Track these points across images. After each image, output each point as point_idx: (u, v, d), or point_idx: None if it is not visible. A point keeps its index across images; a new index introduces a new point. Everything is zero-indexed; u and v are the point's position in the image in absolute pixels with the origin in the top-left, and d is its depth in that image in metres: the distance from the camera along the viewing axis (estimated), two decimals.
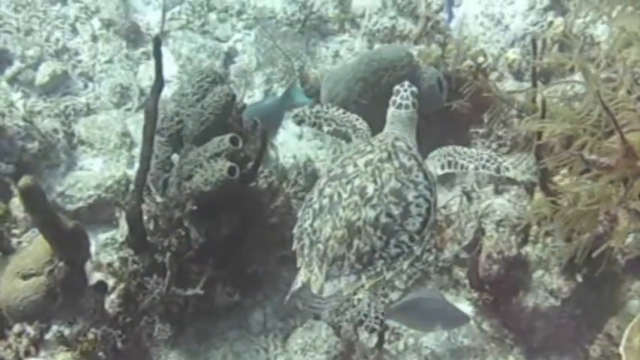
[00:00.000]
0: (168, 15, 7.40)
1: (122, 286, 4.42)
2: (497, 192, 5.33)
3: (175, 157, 5.04)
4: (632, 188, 3.12)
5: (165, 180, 5.01)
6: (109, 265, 4.51)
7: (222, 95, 4.85)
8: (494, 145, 5.87)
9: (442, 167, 4.24)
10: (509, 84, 6.38)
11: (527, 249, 4.84)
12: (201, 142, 4.89)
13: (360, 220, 3.79)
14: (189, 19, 7.36)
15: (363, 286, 3.87)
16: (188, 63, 6.95)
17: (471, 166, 4.21)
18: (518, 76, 6.47)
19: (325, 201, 3.90)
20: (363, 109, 5.08)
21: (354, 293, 3.97)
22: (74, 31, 7.21)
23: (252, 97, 6.94)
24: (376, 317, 4.00)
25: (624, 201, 3.06)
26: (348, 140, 4.53)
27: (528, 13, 7.01)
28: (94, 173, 5.95)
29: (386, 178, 3.88)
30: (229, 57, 7.11)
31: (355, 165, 3.98)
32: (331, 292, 3.83)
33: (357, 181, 3.88)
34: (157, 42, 4.47)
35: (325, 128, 4.55)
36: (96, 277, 4.38)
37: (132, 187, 4.97)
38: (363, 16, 7.19)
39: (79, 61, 7.02)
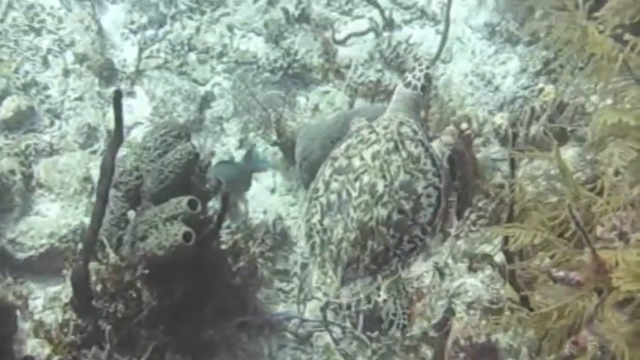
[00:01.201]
0: (146, 53, 7.31)
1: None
2: (472, 270, 5.21)
3: (132, 213, 4.91)
4: (603, 303, 2.99)
5: (119, 238, 4.88)
6: (47, 331, 4.34)
7: (184, 153, 4.74)
8: (473, 217, 5.75)
9: (448, 159, 4.19)
10: (495, 150, 6.31)
11: (498, 336, 4.69)
12: (160, 201, 4.78)
13: (373, 220, 3.81)
14: (168, 58, 7.26)
15: (380, 287, 3.90)
16: (162, 105, 6.84)
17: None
18: (504, 141, 6.37)
19: (333, 197, 3.89)
20: None
21: (378, 295, 3.97)
22: (45, 64, 7.10)
23: (226, 145, 6.82)
24: (404, 313, 4.00)
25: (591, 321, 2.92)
26: None
27: (520, 75, 6.95)
28: (49, 220, 5.82)
29: (395, 172, 3.89)
30: (206, 101, 7.00)
31: (362, 158, 3.94)
32: (348, 296, 3.87)
33: (365, 178, 3.87)
34: (117, 95, 4.36)
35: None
36: (31, 344, 4.20)
37: (79, 245, 4.83)
38: (348, 66, 7.13)
39: (48, 97, 6.90)
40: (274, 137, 6.54)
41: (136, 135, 6.69)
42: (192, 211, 4.56)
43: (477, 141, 6.27)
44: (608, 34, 3.54)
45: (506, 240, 3.52)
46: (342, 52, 7.16)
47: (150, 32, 7.48)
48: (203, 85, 7.18)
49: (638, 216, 3.02)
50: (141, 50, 7.10)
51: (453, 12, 7.40)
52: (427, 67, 4.36)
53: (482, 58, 7.20)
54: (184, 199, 4.58)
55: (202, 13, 7.71)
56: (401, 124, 4.10)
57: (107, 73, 7.04)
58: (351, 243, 3.81)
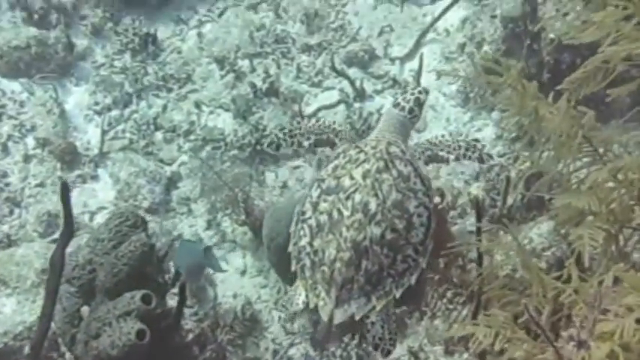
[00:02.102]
0: (111, 134, 7.27)
1: None
2: (448, 353, 5.05)
3: (86, 310, 4.75)
4: None
5: (72, 336, 4.71)
6: None
7: (138, 245, 4.63)
8: (449, 294, 5.59)
9: (425, 164, 4.37)
10: (471, 222, 6.18)
11: None
12: (114, 296, 4.62)
13: (367, 239, 3.84)
14: (133, 138, 7.20)
15: (374, 308, 3.90)
16: (126, 189, 6.74)
17: (452, 157, 4.43)
18: (481, 212, 6.24)
19: (323, 218, 3.94)
20: None
21: (367, 317, 3.98)
22: (5, 151, 7.03)
23: (194, 226, 6.70)
24: (390, 339, 4.00)
25: None
26: (333, 146, 4.51)
27: (496, 142, 6.90)
28: (3, 317, 5.63)
29: (387, 191, 3.94)
30: (172, 182, 6.91)
31: (352, 177, 3.99)
32: (342, 318, 3.86)
33: (357, 197, 3.91)
34: (64, 186, 4.26)
35: (305, 143, 4.55)
36: None
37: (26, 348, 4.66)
38: None
39: (7, 184, 6.81)
40: (242, 217, 6.41)
41: (100, 221, 6.56)
42: (147, 306, 4.41)
43: (453, 213, 6.16)
44: (564, 110, 3.48)
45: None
46: None
47: (115, 112, 7.44)
48: (170, 164, 7.09)
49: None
50: (104, 132, 7.03)
51: (425, 80, 7.43)
52: (419, 92, 4.47)
53: (457, 126, 7.17)
54: (138, 294, 4.44)
55: (169, 90, 7.70)
56: (389, 144, 4.16)
57: (69, 157, 6.96)
58: (345, 263, 3.81)
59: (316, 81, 7.57)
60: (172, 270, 4.97)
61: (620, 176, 3.44)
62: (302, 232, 4.04)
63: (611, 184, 3.42)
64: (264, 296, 6.22)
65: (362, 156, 4.10)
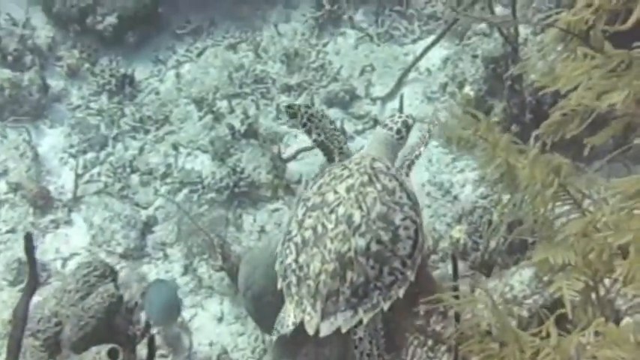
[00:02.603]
0: (86, 177, 7.17)
1: None
2: None
3: None
4: None
5: None
6: None
7: (105, 296, 4.51)
8: (430, 342, 5.48)
9: (407, 174, 4.44)
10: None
11: None
12: (81, 350, 4.50)
13: (351, 250, 3.84)
14: (109, 181, 7.10)
15: (361, 322, 3.88)
16: (100, 234, 6.62)
17: (422, 149, 4.51)
18: (464, 256, 6.17)
19: (308, 233, 3.95)
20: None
21: (354, 333, 3.98)
22: None
23: (170, 271, 6.58)
24: (379, 355, 4.01)
25: None
26: (331, 160, 4.54)
27: (479, 183, 6.84)
28: None
29: (371, 203, 3.96)
30: (147, 226, 6.79)
31: (335, 192, 4.03)
32: (328, 331, 3.83)
33: (341, 210, 3.94)
34: (28, 238, 4.15)
35: (314, 136, 4.55)
36: None
37: None
38: (299, 182, 7.01)
39: None
40: (219, 262, 6.30)
41: (73, 268, 6.43)
42: None
43: (435, 257, 6.09)
44: (533, 160, 3.43)
45: None
46: (292, 167, 7.05)
47: (90, 155, 7.36)
48: (146, 208, 6.98)
49: None
50: (77, 176, 6.93)
51: None
52: (407, 117, 4.63)
53: (439, 167, 7.13)
54: (104, 348, 4.32)
55: (146, 132, 7.63)
56: (373, 159, 4.24)
57: (42, 202, 6.85)
58: (329, 275, 3.81)
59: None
60: (143, 321, 4.84)
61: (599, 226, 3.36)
62: (288, 251, 4.06)
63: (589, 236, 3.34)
64: (242, 344, 6.08)
65: (346, 172, 4.15)
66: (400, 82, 7.73)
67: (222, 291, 6.42)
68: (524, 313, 4.55)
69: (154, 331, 4.76)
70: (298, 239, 4.02)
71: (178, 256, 6.66)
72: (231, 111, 7.58)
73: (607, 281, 3.56)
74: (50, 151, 7.40)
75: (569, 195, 3.61)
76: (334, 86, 7.73)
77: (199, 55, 8.27)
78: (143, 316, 5.00)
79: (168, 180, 7.20)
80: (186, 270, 6.58)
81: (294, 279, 3.99)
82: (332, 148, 4.55)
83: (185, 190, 7.10)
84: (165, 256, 6.68)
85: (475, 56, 7.11)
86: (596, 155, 5.14)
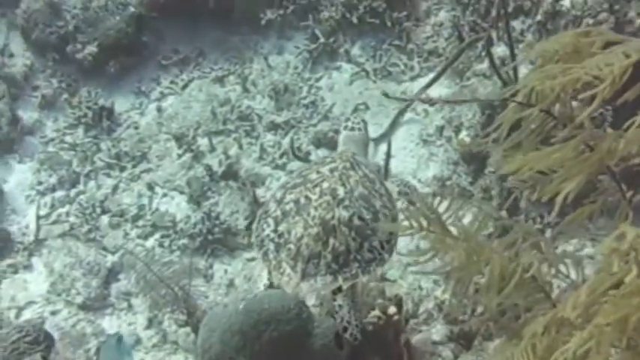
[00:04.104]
0: (53, 216, 6.92)
1: None
2: None
3: None
4: None
5: None
6: None
7: None
8: None
9: (398, 193, 4.62)
10: (437, 329, 5.75)
11: None
12: None
13: (335, 219, 4.02)
14: (76, 222, 6.84)
15: (340, 288, 4.09)
16: (60, 281, 6.36)
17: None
18: (449, 319, 5.81)
19: (289, 206, 4.14)
20: None
21: (334, 299, 4.18)
22: None
23: (134, 324, 6.28)
24: (357, 326, 4.17)
25: None
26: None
27: None
28: None
29: (354, 184, 4.19)
30: (113, 273, 6.51)
31: (318, 172, 4.26)
32: (308, 291, 4.03)
33: (325, 184, 4.15)
34: None
35: None
36: None
37: None
38: None
39: None
40: (184, 317, 5.99)
41: (28, 317, 6.17)
42: None
43: (417, 320, 5.75)
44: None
45: None
46: None
47: (59, 193, 7.11)
48: (113, 253, 6.70)
49: None
50: (39, 218, 6.68)
51: (400, 164, 7.10)
52: (360, 117, 5.11)
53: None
54: None
55: (122, 169, 7.38)
56: (354, 154, 4.54)
57: (2, 244, 6.60)
58: (312, 238, 3.98)
59: (280, 163, 7.23)
60: None
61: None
62: (265, 225, 4.20)
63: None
64: None
65: (329, 159, 4.47)
66: (395, 123, 7.38)
67: (187, 347, 6.11)
68: None
69: None
70: (278, 213, 4.18)
71: (143, 307, 6.36)
72: (212, 149, 7.31)
73: None
74: (17, 187, 7.21)
75: (537, 283, 3.25)
76: (324, 125, 7.44)
77: (184, 87, 8.03)
78: None
79: (140, 223, 6.94)
80: (150, 323, 6.31)
81: (272, 246, 4.13)
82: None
83: (157, 235, 6.86)
84: (130, 307, 6.42)
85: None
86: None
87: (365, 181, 4.25)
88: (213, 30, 8.30)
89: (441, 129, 7.18)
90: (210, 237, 6.62)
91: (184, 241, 6.70)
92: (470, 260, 3.09)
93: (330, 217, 4.02)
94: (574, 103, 3.21)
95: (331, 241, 4.00)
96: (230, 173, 7.02)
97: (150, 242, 6.80)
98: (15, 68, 7.88)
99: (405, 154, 7.26)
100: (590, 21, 5.88)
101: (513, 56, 6.02)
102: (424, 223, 3.15)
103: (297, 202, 4.14)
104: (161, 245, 6.76)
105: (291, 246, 4.03)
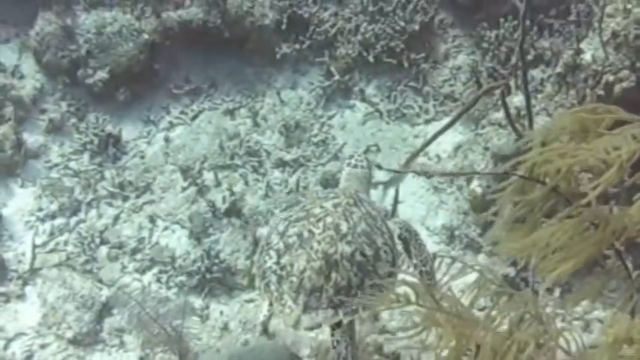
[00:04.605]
0: (51, 245, 6.84)
1: None
2: None
3: None
4: None
5: None
6: None
7: None
8: None
9: (398, 237, 4.62)
10: None
11: None
12: None
13: (337, 253, 4.14)
14: (74, 252, 6.75)
15: (340, 323, 4.18)
16: (52, 313, 6.27)
17: (413, 261, 4.66)
18: None
19: (292, 239, 4.24)
20: None
21: (332, 334, 4.29)
22: None
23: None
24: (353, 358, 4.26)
25: None
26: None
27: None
28: None
29: (356, 220, 4.30)
30: (106, 308, 6.40)
31: (322, 207, 4.36)
32: (308, 324, 4.07)
33: (329, 219, 4.26)
34: None
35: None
36: None
37: None
38: None
39: None
40: (176, 358, 5.87)
41: (16, 350, 6.07)
42: None
43: None
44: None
45: None
46: None
47: (59, 221, 7.04)
48: (110, 286, 6.59)
49: None
50: (35, 247, 6.60)
51: (408, 210, 6.97)
52: (364, 154, 5.43)
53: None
54: None
55: (125, 199, 7.29)
56: (357, 191, 4.70)
57: None
58: (315, 271, 4.09)
59: None
60: None
61: None
62: (267, 257, 4.30)
63: None
64: None
65: (332, 194, 4.57)
66: (406, 167, 7.26)
67: None
68: None
69: None
70: (280, 246, 4.27)
71: (135, 344, 6.25)
72: (217, 184, 7.22)
73: None
74: (16, 213, 7.11)
75: None
76: (333, 165, 7.34)
77: (194, 118, 7.95)
78: None
79: (138, 256, 6.84)
80: None
81: (274, 278, 4.20)
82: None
83: (155, 269, 6.76)
84: (122, 344, 6.30)
85: (487, 148, 6.65)
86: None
87: (367, 218, 4.35)
88: (227, 60, 8.23)
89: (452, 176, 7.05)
90: (208, 275, 6.50)
91: (182, 278, 6.59)
92: (460, 342, 2.95)
93: (333, 251, 4.13)
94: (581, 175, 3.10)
95: (333, 275, 4.09)
96: (234, 210, 6.92)
97: (147, 277, 6.69)
98: (24, 90, 7.82)
99: (415, 199, 7.14)
100: (611, 78, 5.75)
101: (530, 108, 5.89)
102: (412, 297, 3.03)
103: (300, 235, 4.22)
104: (158, 280, 6.66)
105: (294, 278, 4.10)
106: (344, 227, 4.24)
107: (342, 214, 4.31)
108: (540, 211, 3.09)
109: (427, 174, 5.52)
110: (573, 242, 2.99)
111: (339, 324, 4.27)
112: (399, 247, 4.67)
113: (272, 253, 4.30)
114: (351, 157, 5.18)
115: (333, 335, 4.32)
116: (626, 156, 2.55)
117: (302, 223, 4.30)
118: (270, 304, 4.32)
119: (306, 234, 4.24)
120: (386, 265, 4.27)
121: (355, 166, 5.04)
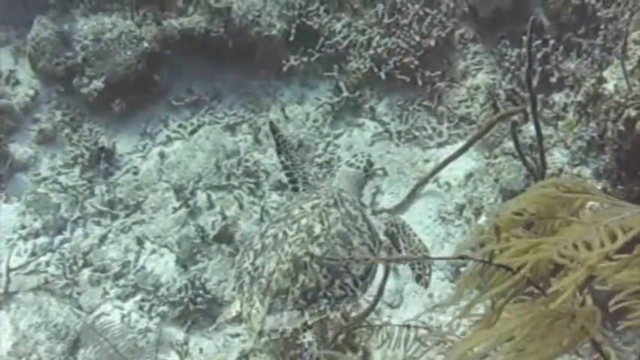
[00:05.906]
0: (31, 266, 6.59)
1: None
2: None
3: None
4: None
5: None
6: None
7: None
8: None
9: (385, 232, 4.69)
10: None
11: None
12: None
13: (307, 256, 4.18)
14: (55, 275, 6.49)
15: (306, 324, 4.18)
16: (23, 342, 6.01)
17: (402, 253, 4.70)
18: None
19: (268, 240, 4.31)
20: None
21: (303, 336, 4.44)
22: None
23: None
24: None
25: None
26: (295, 190, 5.03)
27: None
28: None
29: (333, 221, 4.34)
30: (81, 339, 6.11)
31: (301, 208, 4.45)
32: (273, 325, 4.10)
33: (303, 221, 4.31)
34: None
35: (282, 157, 5.07)
36: None
37: None
38: None
39: None
40: None
41: None
42: None
43: None
44: None
45: None
46: None
47: (42, 240, 6.79)
48: (89, 313, 6.32)
49: None
50: (9, 270, 6.35)
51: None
52: (369, 156, 5.11)
53: (441, 306, 6.19)
54: None
55: (114, 218, 7.01)
56: (341, 190, 4.71)
57: None
58: (282, 274, 4.13)
59: None
60: None
61: None
62: (246, 257, 4.38)
63: None
64: None
65: (314, 195, 4.59)
66: (413, 194, 6.85)
67: None
68: None
69: None
70: (258, 246, 4.33)
71: None
72: (210, 206, 6.89)
73: None
74: None
75: None
76: None
77: (193, 132, 7.63)
78: None
79: (121, 282, 6.56)
80: None
81: (247, 279, 4.25)
82: (296, 176, 4.99)
83: (137, 297, 6.46)
84: None
85: (497, 181, 6.20)
86: None
87: (345, 219, 4.37)
88: (232, 72, 7.92)
89: (461, 208, 6.62)
90: (192, 307, 6.19)
91: (164, 308, 6.28)
92: None
93: (302, 253, 4.16)
94: None
95: (301, 277, 4.12)
96: (225, 236, 6.60)
97: (129, 304, 6.41)
98: (16, 98, 7.60)
99: (421, 230, 6.70)
100: (633, 113, 5.26)
101: (541, 141, 5.43)
102: None
103: (275, 236, 4.29)
104: (140, 309, 6.36)
105: (263, 280, 4.15)
106: (317, 229, 4.27)
107: (318, 215, 4.35)
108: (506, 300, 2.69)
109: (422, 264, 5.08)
110: (543, 335, 2.60)
111: (307, 324, 4.25)
112: (388, 242, 4.73)
113: (250, 253, 4.37)
114: (354, 156, 5.16)
115: (304, 337, 4.45)
116: (597, 259, 2.13)
117: (279, 225, 4.37)
118: (241, 304, 4.33)
119: (280, 235, 4.30)
120: (361, 265, 4.30)
121: (351, 165, 5.02)
